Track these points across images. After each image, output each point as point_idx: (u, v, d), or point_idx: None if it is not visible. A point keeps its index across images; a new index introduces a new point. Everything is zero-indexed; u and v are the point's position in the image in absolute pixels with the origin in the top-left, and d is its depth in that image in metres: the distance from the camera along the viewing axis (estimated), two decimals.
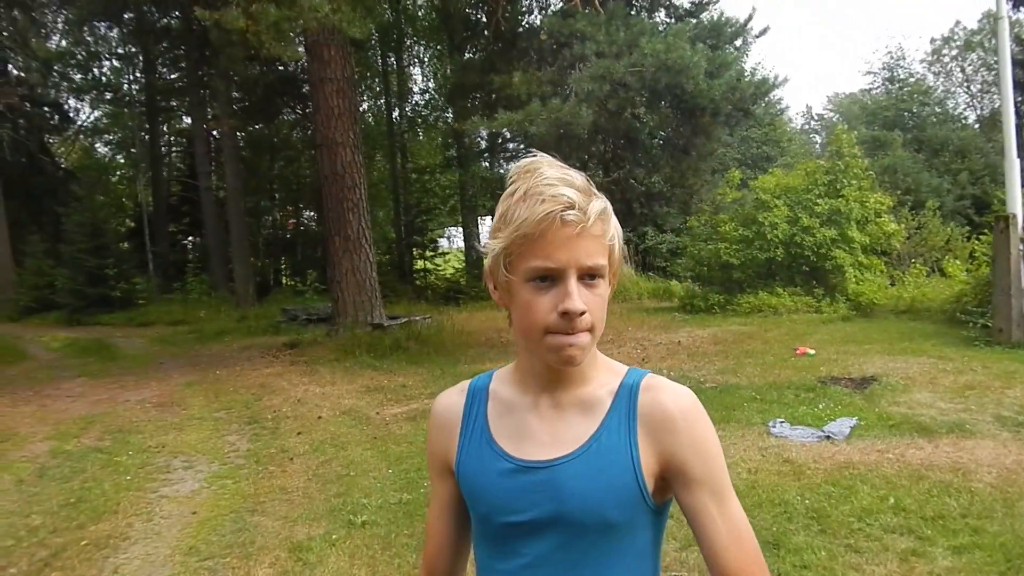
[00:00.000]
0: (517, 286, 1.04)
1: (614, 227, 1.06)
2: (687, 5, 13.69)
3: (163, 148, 28.42)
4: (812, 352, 9.23)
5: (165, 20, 22.18)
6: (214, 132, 23.45)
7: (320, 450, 6.07)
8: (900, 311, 12.36)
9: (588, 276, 1.03)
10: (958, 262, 13.51)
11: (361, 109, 25.14)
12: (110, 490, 5.20)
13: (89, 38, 24.85)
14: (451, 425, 1.21)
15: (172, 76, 26.06)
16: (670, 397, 1.10)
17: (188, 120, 26.60)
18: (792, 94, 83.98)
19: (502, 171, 21.74)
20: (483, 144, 21.02)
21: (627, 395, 1.12)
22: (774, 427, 5.96)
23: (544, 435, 1.12)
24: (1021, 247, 8.84)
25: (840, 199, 13.67)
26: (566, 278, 1.01)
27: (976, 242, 13.05)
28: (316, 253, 25.77)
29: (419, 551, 3.21)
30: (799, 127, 40.26)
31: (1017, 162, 9.14)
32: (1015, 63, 22.81)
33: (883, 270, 14.42)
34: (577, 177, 1.04)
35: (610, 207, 1.06)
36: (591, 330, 1.04)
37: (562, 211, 0.99)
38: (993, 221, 9.47)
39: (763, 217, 13.71)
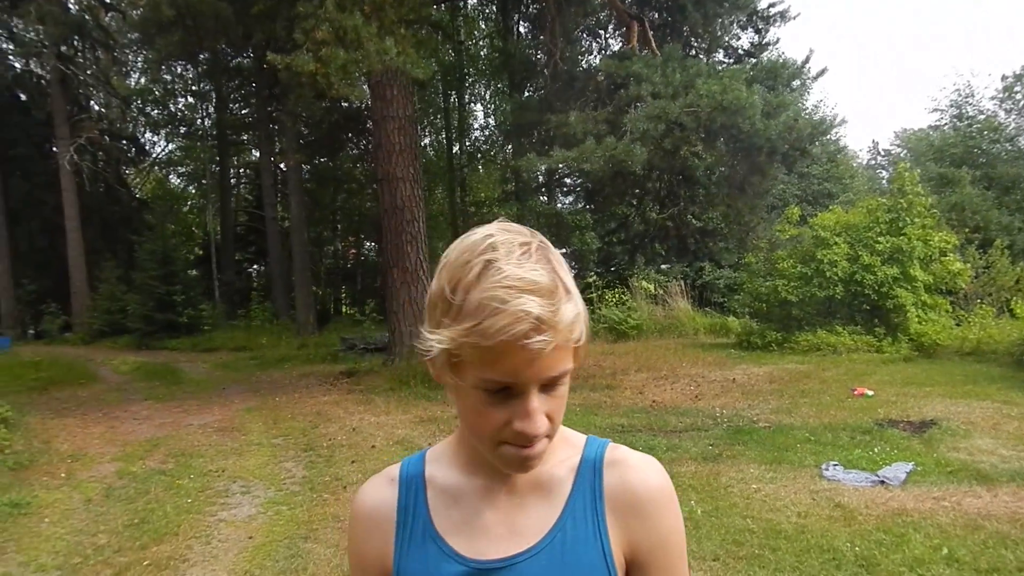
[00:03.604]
0: (464, 389, 0.88)
1: (583, 323, 0.88)
2: (746, 46, 13.79)
3: (232, 180, 29.54)
4: (870, 393, 9.04)
5: (237, 60, 23.17)
6: (281, 165, 24.27)
7: None
8: (965, 353, 12.01)
9: (551, 385, 0.88)
10: None
11: (422, 144, 25.72)
12: (172, 512, 5.41)
13: (167, 76, 26.13)
14: (385, 524, 1.01)
15: (242, 112, 27.18)
16: (639, 475, 0.97)
17: (256, 153, 27.63)
18: (858, 129, 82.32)
19: (560, 205, 21.91)
20: (540, 179, 21.28)
21: (590, 472, 0.98)
22: (827, 470, 5.87)
23: (500, 527, 0.96)
24: None
25: (902, 237, 13.41)
26: (526, 393, 0.86)
27: None
28: (375, 283, 26.36)
29: None
30: (865, 163, 39.53)
31: None
32: None
33: (948, 310, 14.02)
34: (543, 273, 0.84)
35: (581, 306, 0.88)
36: (549, 435, 0.91)
37: (524, 335, 0.81)
38: None
39: (822, 254, 13.52)
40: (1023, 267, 16.86)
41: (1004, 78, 33.96)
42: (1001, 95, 32.79)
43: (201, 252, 28.32)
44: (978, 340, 12.20)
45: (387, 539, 1.00)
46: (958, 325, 13.61)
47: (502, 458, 0.91)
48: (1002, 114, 32.18)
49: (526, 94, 16.71)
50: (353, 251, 30.67)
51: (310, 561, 4.43)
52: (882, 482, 5.53)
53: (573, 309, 0.86)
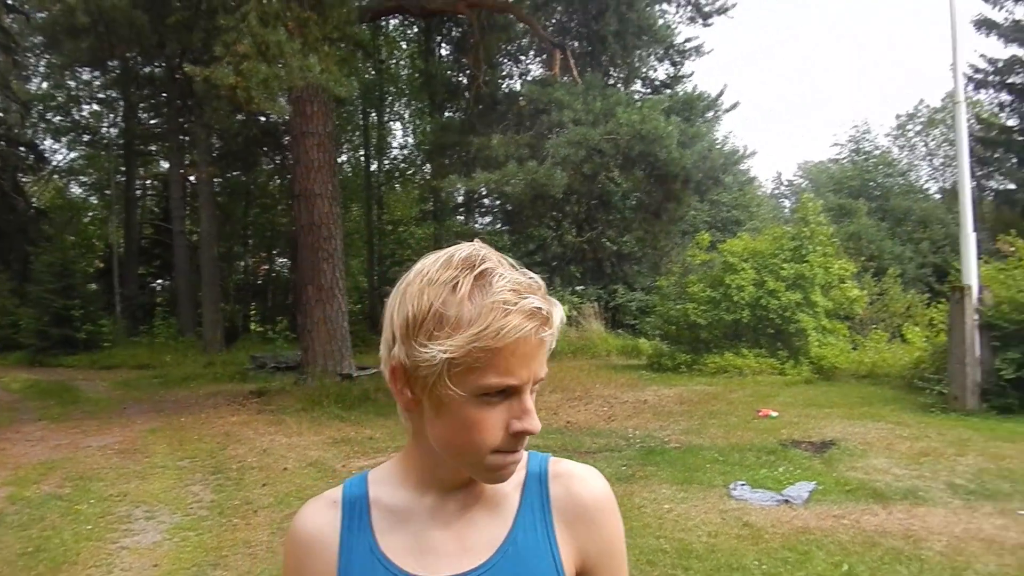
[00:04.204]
0: (459, 401, 0.87)
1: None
2: (663, 78, 14.32)
3: (138, 191, 28.44)
4: (775, 414, 9.38)
5: (149, 69, 22.43)
6: (191, 177, 23.55)
7: (285, 503, 6.05)
8: (861, 375, 12.61)
9: (532, 388, 0.90)
10: (918, 329, 13.83)
11: (340, 160, 25.45)
12: (70, 540, 5.16)
13: (71, 82, 25.04)
14: (327, 550, 0.98)
15: (152, 122, 26.27)
16: (583, 485, 1.01)
17: (165, 165, 26.70)
18: (763, 160, 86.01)
19: (478, 226, 21.99)
20: (459, 199, 21.33)
21: (536, 485, 1.00)
22: (735, 490, 6.06)
23: (450, 545, 0.96)
24: (975, 318, 9.15)
25: (805, 264, 14.01)
26: (521, 393, 0.88)
27: (935, 309, 13.42)
28: (287, 300, 25.76)
29: None
30: (769, 192, 41.20)
31: (973, 236, 9.51)
32: (975, 139, 23.75)
33: (846, 334, 14.71)
34: (535, 278, 0.90)
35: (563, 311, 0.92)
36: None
37: (537, 329, 0.86)
38: (950, 291, 9.80)
39: (730, 279, 13.98)
40: (913, 295, 17.86)
41: (898, 116, 36.34)
42: (895, 132, 35.01)
43: (102, 265, 27.08)
44: (873, 364, 12.83)
45: (329, 565, 0.97)
46: (854, 349, 14.29)
47: (488, 467, 0.91)
48: (896, 150, 34.35)
49: (447, 115, 16.80)
50: (264, 267, 29.91)
51: None
52: (786, 501, 5.75)
53: (560, 311, 0.90)
